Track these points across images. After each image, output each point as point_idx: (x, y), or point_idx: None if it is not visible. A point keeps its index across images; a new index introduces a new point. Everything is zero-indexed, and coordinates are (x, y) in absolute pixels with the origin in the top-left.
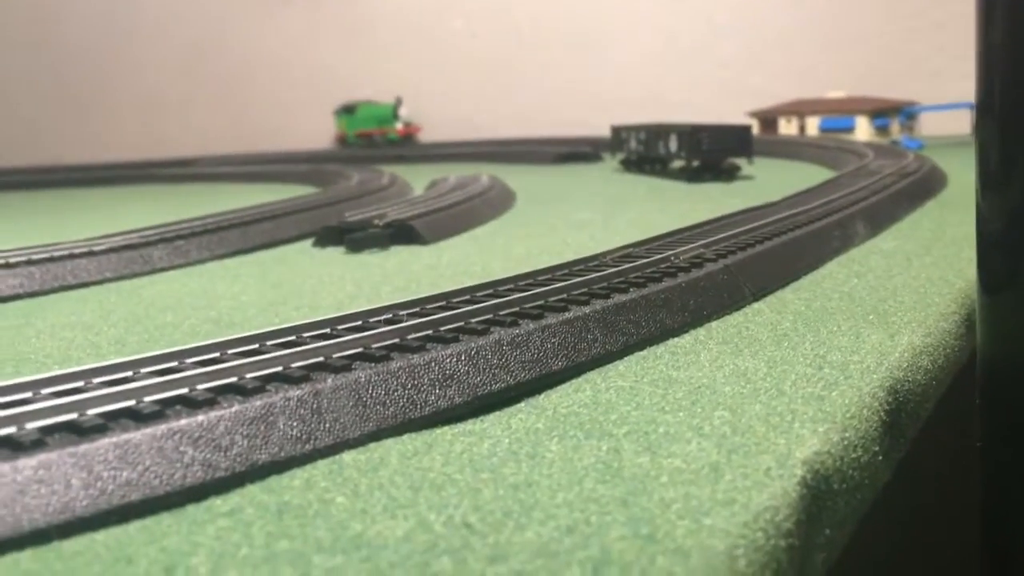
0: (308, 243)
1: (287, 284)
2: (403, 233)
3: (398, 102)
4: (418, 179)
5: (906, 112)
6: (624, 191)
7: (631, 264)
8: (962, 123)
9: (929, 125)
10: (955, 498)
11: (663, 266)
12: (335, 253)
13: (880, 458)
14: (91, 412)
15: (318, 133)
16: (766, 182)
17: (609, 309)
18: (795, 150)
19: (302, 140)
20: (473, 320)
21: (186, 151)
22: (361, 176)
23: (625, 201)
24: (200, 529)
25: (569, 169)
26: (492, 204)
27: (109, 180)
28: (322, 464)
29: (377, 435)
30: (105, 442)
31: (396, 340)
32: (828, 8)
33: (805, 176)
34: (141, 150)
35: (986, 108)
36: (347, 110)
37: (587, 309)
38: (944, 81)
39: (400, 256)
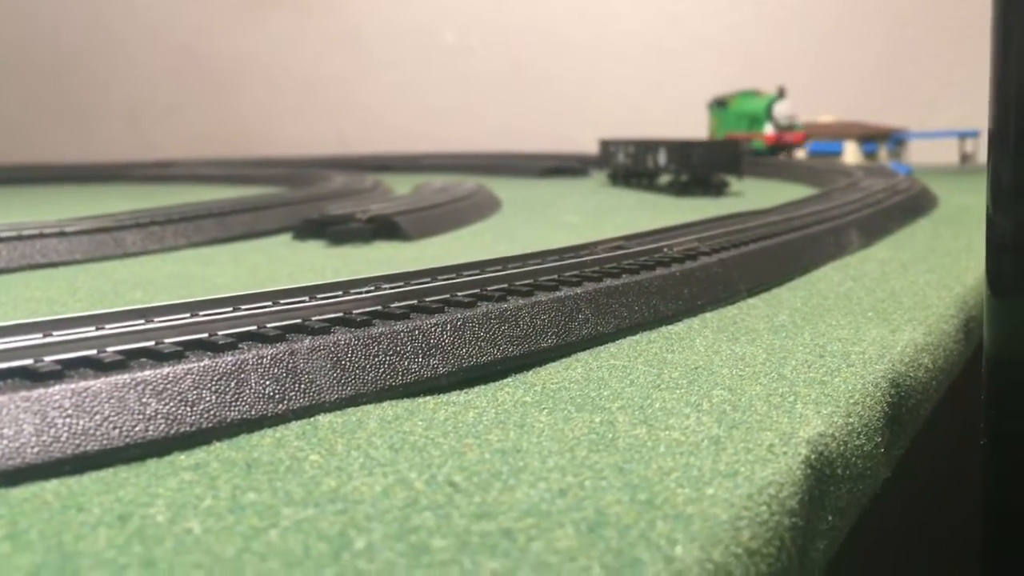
0: (287, 236)
1: (264, 270)
2: (386, 228)
3: (779, 93)
4: (402, 187)
5: (894, 138)
6: (612, 201)
7: (624, 252)
8: (950, 151)
9: (917, 153)
10: (950, 503)
11: (657, 256)
12: (315, 246)
13: (882, 450)
14: (48, 359)
15: (304, 139)
16: (756, 198)
17: (601, 291)
18: (783, 170)
19: (289, 146)
20: (459, 293)
21: (171, 155)
22: (344, 178)
23: (613, 210)
24: (160, 482)
25: (556, 182)
26: (478, 207)
27: (89, 178)
28: (296, 425)
29: (355, 400)
30: (61, 388)
31: (378, 307)
32: (820, 34)
33: (795, 194)
34: (126, 153)
35: (999, 133)
36: (719, 103)
37: (579, 290)
38: (933, 110)
39: (383, 250)
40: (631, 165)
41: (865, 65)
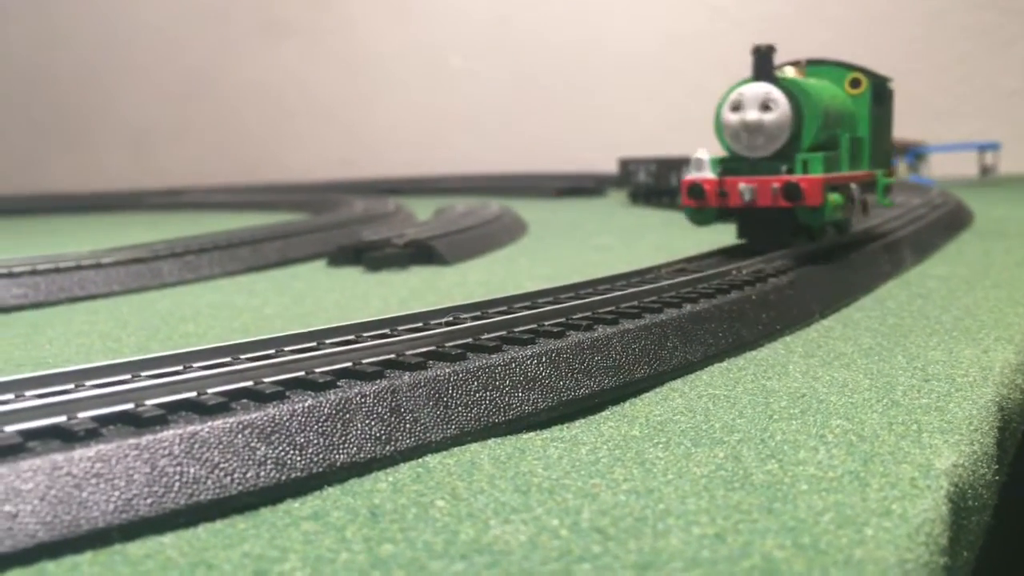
0: (321, 263)
1: (309, 299)
2: (423, 253)
3: (758, 65)
4: (419, 210)
5: (914, 152)
6: (638, 221)
7: (694, 276)
8: (968, 164)
9: (936, 166)
10: None
11: (727, 279)
12: (352, 272)
13: (996, 478)
14: (149, 403)
15: (310, 164)
16: None
17: (685, 317)
18: None
19: (296, 171)
20: (546, 323)
21: (177, 181)
22: (365, 202)
23: (642, 229)
24: (282, 533)
25: (574, 202)
26: (507, 230)
27: (100, 207)
28: (406, 467)
29: (460, 439)
30: (169, 434)
31: (469, 340)
32: (828, 45)
33: None
34: (132, 180)
35: None
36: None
37: (663, 316)
38: (950, 123)
39: (422, 275)
40: (652, 184)
41: None
